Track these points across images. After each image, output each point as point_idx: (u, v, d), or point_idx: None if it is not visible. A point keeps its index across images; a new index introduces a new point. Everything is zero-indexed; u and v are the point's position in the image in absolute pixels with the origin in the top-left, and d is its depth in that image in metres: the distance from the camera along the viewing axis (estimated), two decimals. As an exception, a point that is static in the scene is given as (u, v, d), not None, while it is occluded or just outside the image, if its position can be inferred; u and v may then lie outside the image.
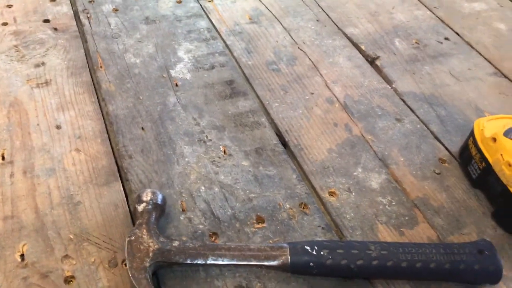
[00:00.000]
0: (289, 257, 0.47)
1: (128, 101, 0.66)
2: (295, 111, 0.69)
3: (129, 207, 0.54)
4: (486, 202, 0.60)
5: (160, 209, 0.51)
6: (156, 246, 0.47)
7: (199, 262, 0.47)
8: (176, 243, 0.48)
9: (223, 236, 0.52)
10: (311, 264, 0.47)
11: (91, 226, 0.51)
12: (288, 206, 0.56)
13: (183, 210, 0.54)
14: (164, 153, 0.60)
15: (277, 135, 0.65)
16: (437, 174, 0.63)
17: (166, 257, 0.46)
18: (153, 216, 0.49)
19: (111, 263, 0.48)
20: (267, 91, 0.72)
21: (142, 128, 0.63)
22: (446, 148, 0.66)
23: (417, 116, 0.70)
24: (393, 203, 0.58)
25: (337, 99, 0.72)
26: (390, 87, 0.75)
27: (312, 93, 0.72)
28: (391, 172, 0.62)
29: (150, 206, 0.50)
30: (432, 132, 0.68)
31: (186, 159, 0.60)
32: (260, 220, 0.54)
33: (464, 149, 0.64)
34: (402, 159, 0.64)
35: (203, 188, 0.57)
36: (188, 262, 0.47)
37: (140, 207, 0.50)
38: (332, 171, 0.61)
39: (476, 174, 0.60)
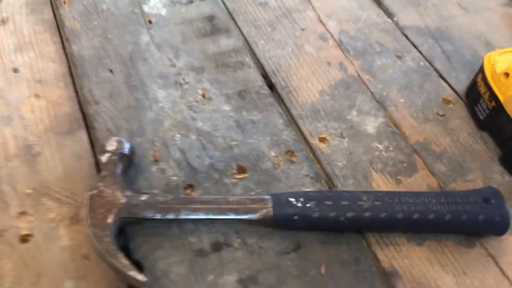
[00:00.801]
0: (271, 210, 0.43)
1: (95, 41, 0.59)
2: (284, 50, 0.61)
3: (95, 158, 0.48)
4: (494, 145, 0.54)
5: (127, 160, 0.45)
6: (121, 201, 0.42)
7: (170, 217, 0.42)
8: (144, 197, 0.42)
9: (200, 188, 0.47)
10: (295, 217, 0.42)
11: (51, 180, 0.46)
12: (273, 154, 0.51)
13: (155, 161, 0.49)
14: (136, 98, 0.54)
15: (262, 76, 0.58)
16: (441, 116, 0.57)
17: (133, 213, 0.41)
18: (119, 167, 0.44)
19: (74, 220, 0.43)
20: (252, 27, 0.64)
21: (111, 71, 0.56)
22: (452, 87, 0.59)
23: (420, 52, 0.63)
24: (390, 148, 0.53)
25: (331, 35, 0.64)
26: (391, 21, 0.67)
27: (303, 29, 0.64)
28: (389, 115, 0.56)
29: (115, 157, 0.44)
30: (436, 70, 0.61)
31: (160, 104, 0.53)
32: (241, 170, 0.49)
33: (472, 87, 0.57)
34: (402, 100, 0.57)
35: (178, 135, 0.51)
36: (158, 217, 0.42)
37: (104, 158, 0.44)
38: (323, 115, 0.55)
39: (484, 115, 0.54)
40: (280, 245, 0.44)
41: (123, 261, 0.38)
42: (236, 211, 0.43)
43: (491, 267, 0.44)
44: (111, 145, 0.45)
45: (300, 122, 0.54)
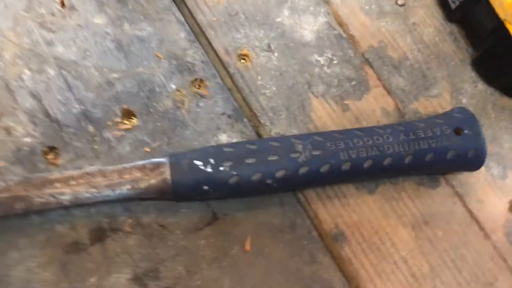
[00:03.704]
0: (169, 181, 0.30)
1: None
2: None
3: None
4: (466, 44, 0.42)
5: None
6: None
7: (19, 211, 0.28)
8: (-28, 185, 0.28)
9: (68, 150, 0.33)
10: (205, 187, 0.30)
11: None
12: (173, 86, 0.36)
13: (-5, 116, 0.33)
14: (-46, 15, 0.35)
15: (152, -37, 0.40)
16: (400, 6, 0.42)
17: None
18: None
19: None
20: None
21: None
22: (415, -37, 0.44)
23: None
24: (335, 61, 0.39)
25: None
26: None
27: None
28: (333, 11, 0.41)
29: None
30: None
31: (-5, 23, 0.35)
32: (128, 115, 0.35)
33: (442, -37, 0.42)
34: (350, -13, 0.42)
35: (28, 72, 0.34)
36: (0, 214, 0.28)
37: None
38: (243, 20, 0.39)
39: (457, 3, 0.40)
40: (189, 219, 0.32)
41: None
42: (117, 188, 0.29)
43: (457, 210, 0.35)
44: None
45: (210, 33, 0.38)
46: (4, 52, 0.34)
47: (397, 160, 0.32)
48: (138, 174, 0.30)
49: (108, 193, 0.30)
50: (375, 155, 0.32)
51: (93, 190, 0.29)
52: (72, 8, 0.37)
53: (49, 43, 0.35)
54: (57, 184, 0.29)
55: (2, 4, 0.36)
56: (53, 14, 0.36)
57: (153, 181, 0.30)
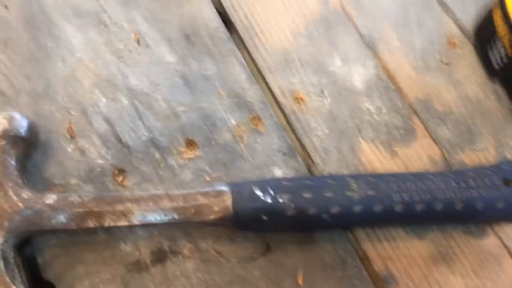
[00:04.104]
0: (231, 208, 0.31)
1: (-20, -39, 0.42)
2: (247, -26, 0.46)
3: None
4: (508, 102, 0.44)
5: (25, 144, 0.32)
6: (16, 208, 0.29)
7: (91, 225, 0.30)
8: (51, 199, 0.30)
9: (135, 173, 0.35)
10: (264, 217, 0.31)
11: None
12: (233, 122, 0.38)
13: (71, 137, 0.35)
14: (41, 44, 0.39)
15: (218, 12, 0.44)
16: (445, 64, 0.45)
17: (35, 224, 0.29)
18: (13, 156, 0.31)
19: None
20: None
21: (6, 7, 0.40)
22: (458, 25, 0.47)
23: (421, -23, 0.49)
24: (384, 110, 0.41)
25: (309, -47, 0.49)
26: None
27: None
28: (381, 64, 0.44)
29: (5, 141, 0.31)
30: (439, 0, 0.48)
31: (77, 55, 0.39)
32: (191, 146, 0.37)
33: (485, 26, 0.45)
34: (398, 44, 0.45)
35: (103, 99, 0.37)
36: (73, 227, 0.30)
37: (-12, 143, 0.31)
38: (299, 66, 0.42)
39: (501, 64, 0.43)
40: (244, 248, 0.34)
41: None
42: (182, 212, 0.31)
43: (506, 262, 0.36)
44: (-1, 124, 0.31)
45: (269, 76, 0.41)
46: (84, 80, 0.38)
47: (449, 206, 0.33)
48: (202, 200, 0.32)
49: (173, 216, 0.31)
50: (428, 199, 0.33)
51: (160, 212, 0.31)
52: (147, 46, 0.40)
53: (124, 75, 0.39)
54: (128, 204, 0.31)
55: (85, 39, 0.39)
56: (129, 50, 0.40)
57: (215, 208, 0.31)
